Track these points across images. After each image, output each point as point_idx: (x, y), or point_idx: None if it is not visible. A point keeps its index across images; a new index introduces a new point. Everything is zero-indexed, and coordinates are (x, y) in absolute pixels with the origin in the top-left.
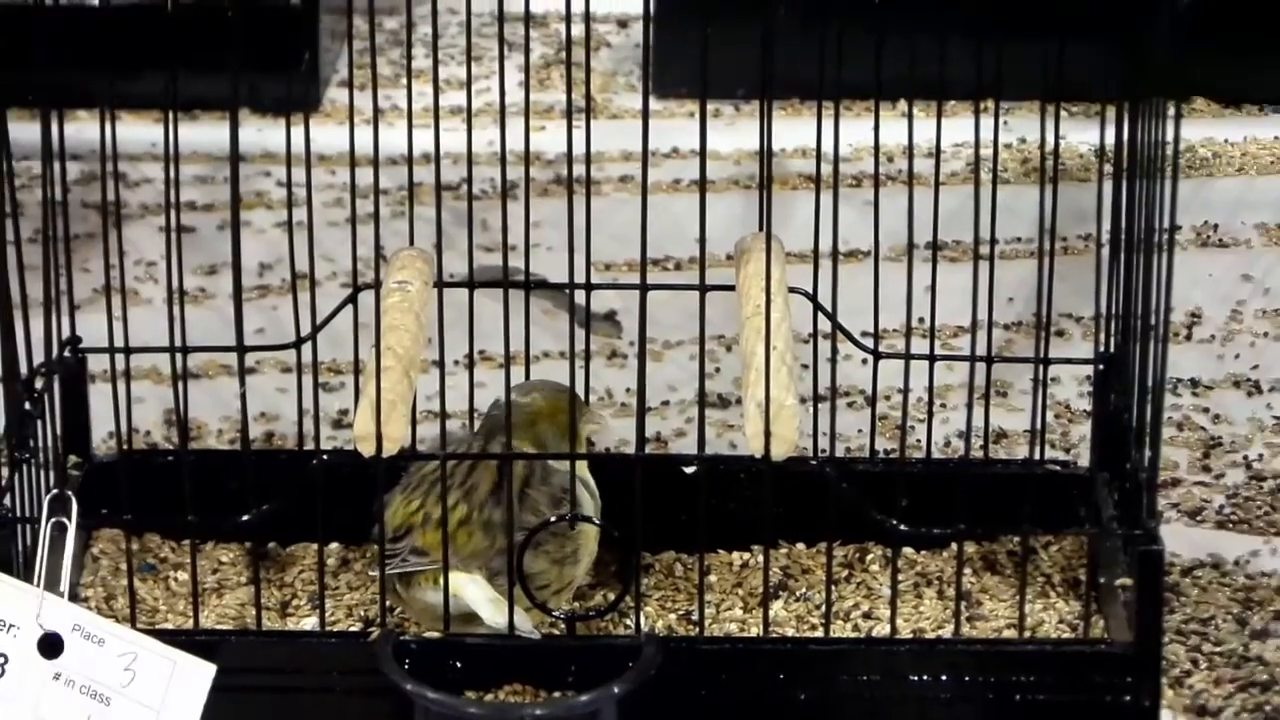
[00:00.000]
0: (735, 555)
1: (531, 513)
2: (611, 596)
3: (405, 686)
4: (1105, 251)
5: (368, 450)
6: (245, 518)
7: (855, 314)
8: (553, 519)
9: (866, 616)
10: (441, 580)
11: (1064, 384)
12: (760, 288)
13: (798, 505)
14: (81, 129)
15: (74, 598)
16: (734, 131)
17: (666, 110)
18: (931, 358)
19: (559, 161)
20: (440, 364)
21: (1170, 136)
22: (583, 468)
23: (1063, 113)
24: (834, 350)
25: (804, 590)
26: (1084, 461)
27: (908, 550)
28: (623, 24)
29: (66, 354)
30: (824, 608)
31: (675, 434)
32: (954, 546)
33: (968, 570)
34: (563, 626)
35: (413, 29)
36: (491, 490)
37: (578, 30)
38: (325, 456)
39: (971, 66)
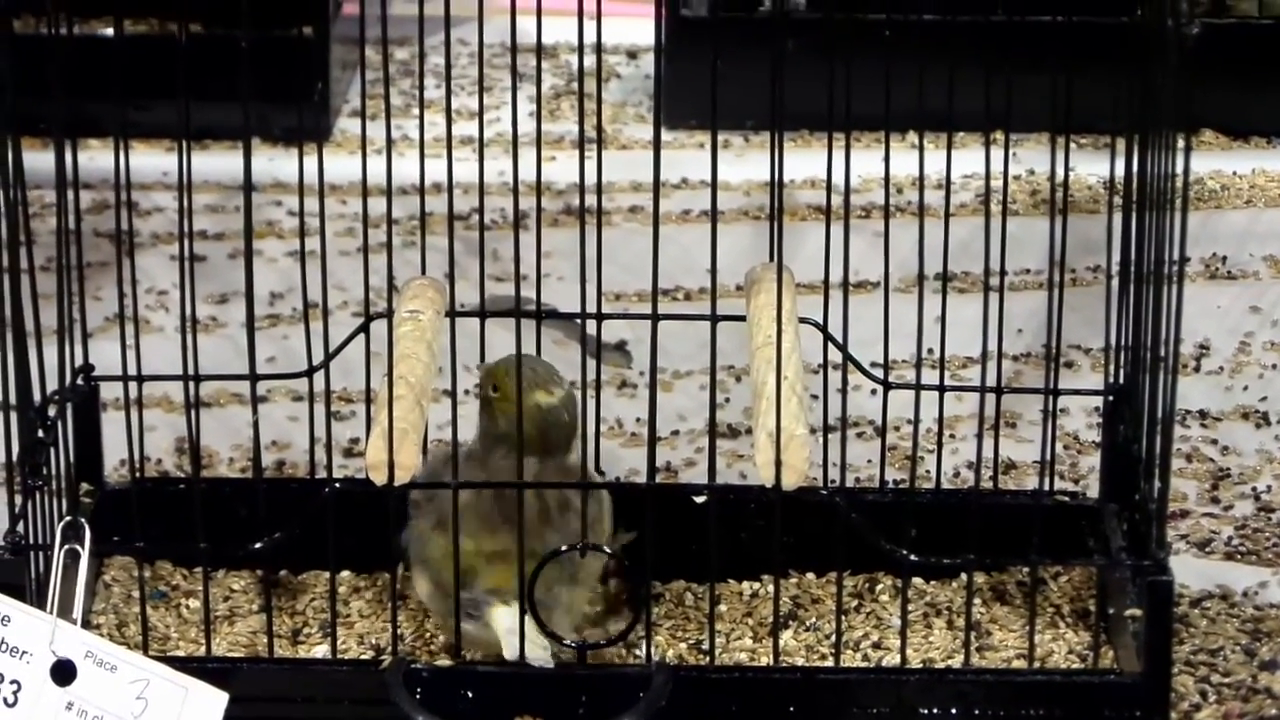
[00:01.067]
0: (745, 585)
1: (575, 532)
2: (622, 626)
3: (416, 717)
4: (1114, 283)
5: (380, 479)
6: (257, 545)
7: (865, 345)
8: (563, 549)
9: (876, 646)
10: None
11: (1073, 415)
12: (771, 318)
13: (808, 535)
14: (94, 158)
15: (86, 625)
16: (743, 163)
17: (676, 141)
18: (941, 388)
19: (570, 192)
20: (452, 393)
21: (1179, 169)
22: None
23: (1072, 145)
24: (844, 381)
25: (814, 620)
26: (1093, 492)
27: (917, 580)
28: (632, 55)
29: (79, 382)
30: (834, 637)
31: (685, 464)
32: (963, 577)
33: (977, 600)
34: (574, 655)
35: (424, 59)
36: (540, 518)
37: (588, 61)
38: (337, 485)
39: (981, 99)
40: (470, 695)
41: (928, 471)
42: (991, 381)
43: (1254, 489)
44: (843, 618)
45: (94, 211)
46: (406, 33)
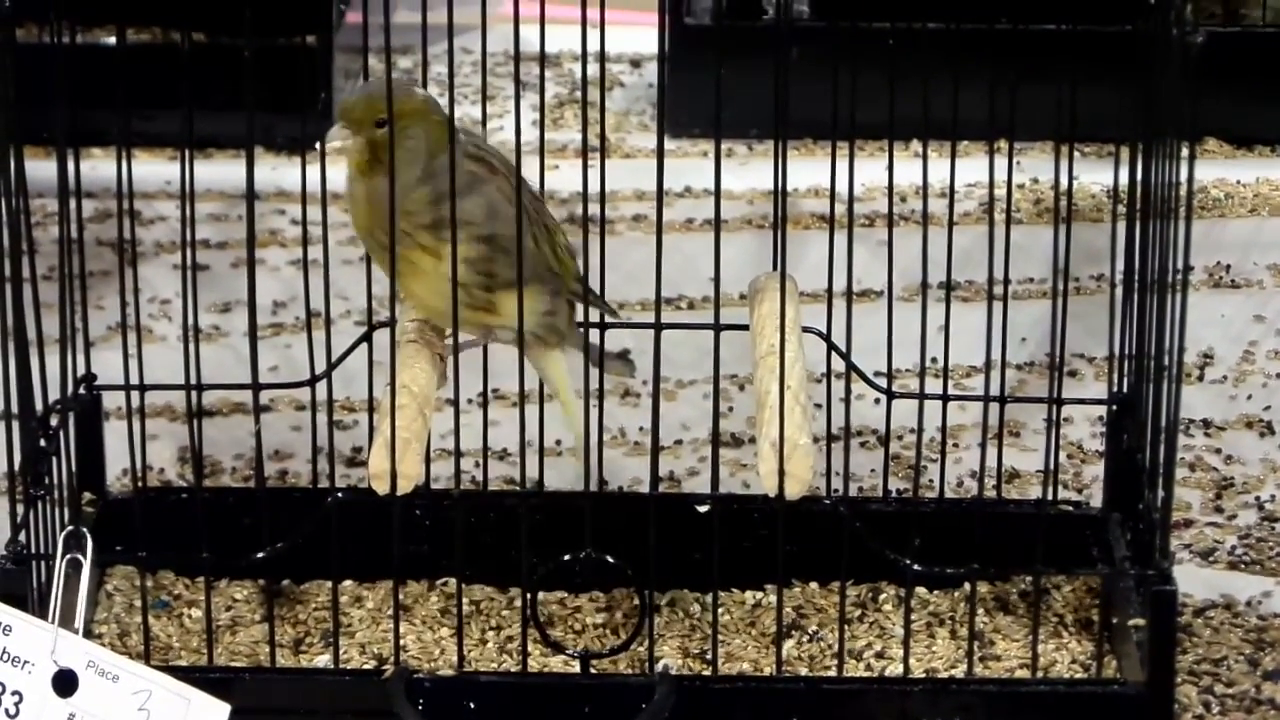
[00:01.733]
0: (748, 594)
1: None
2: (625, 635)
3: None
4: (1118, 292)
5: (382, 488)
6: (259, 555)
7: (868, 354)
8: (565, 558)
9: (879, 656)
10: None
11: (1077, 424)
12: (774, 327)
13: (811, 544)
14: (96, 167)
15: (88, 635)
16: (747, 171)
17: (680, 150)
18: (944, 398)
19: (573, 200)
20: (455, 402)
21: (1184, 177)
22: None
23: (1076, 153)
24: (847, 390)
25: (817, 629)
26: (1097, 502)
27: (920, 590)
28: (636, 64)
29: (81, 391)
30: (837, 647)
31: (688, 473)
32: (967, 586)
33: (980, 610)
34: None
35: (427, 68)
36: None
37: (592, 70)
38: (339, 494)
39: (985, 107)
40: (472, 706)
41: (931, 481)
42: (995, 390)
43: (1257, 498)
44: (846, 627)
45: (96, 220)
46: (409, 41)
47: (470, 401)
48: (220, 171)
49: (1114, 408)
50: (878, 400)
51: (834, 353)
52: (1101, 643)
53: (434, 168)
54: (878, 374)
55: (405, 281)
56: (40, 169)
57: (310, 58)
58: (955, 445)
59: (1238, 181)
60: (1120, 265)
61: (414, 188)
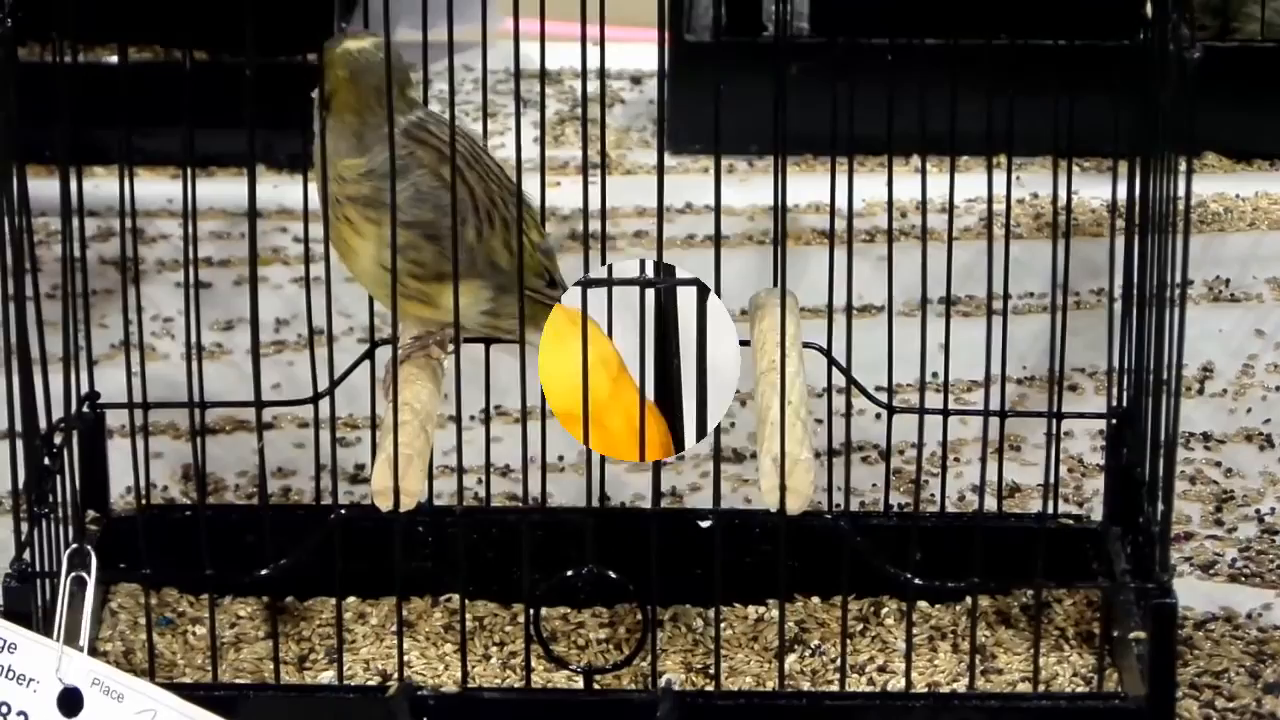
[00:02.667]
0: (750, 609)
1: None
2: (628, 650)
3: None
4: (1118, 306)
5: (385, 505)
6: (263, 572)
7: (869, 369)
8: (570, 573)
9: (881, 670)
10: None
11: (1077, 438)
12: (775, 343)
13: (812, 559)
14: (99, 185)
15: (93, 652)
16: (747, 187)
17: (680, 166)
18: (945, 412)
19: (574, 217)
20: (457, 419)
21: (1182, 191)
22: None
23: (1075, 168)
24: (848, 405)
25: (819, 644)
26: (1097, 515)
27: (922, 604)
28: (636, 80)
29: (85, 409)
30: (839, 662)
31: (690, 488)
32: (968, 600)
33: (982, 624)
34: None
35: (428, 85)
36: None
37: (592, 87)
38: (342, 511)
39: (984, 122)
40: None
41: (932, 495)
42: (995, 405)
43: (1257, 511)
44: (848, 642)
45: (99, 239)
46: (410, 59)
47: (472, 418)
48: (222, 189)
49: (1114, 421)
50: (878, 415)
51: (834, 368)
52: (1103, 656)
53: (367, 141)
54: (878, 389)
55: (344, 260)
56: (43, 187)
57: (311, 75)
58: (956, 460)
59: (1237, 195)
60: (1120, 280)
61: (348, 154)
